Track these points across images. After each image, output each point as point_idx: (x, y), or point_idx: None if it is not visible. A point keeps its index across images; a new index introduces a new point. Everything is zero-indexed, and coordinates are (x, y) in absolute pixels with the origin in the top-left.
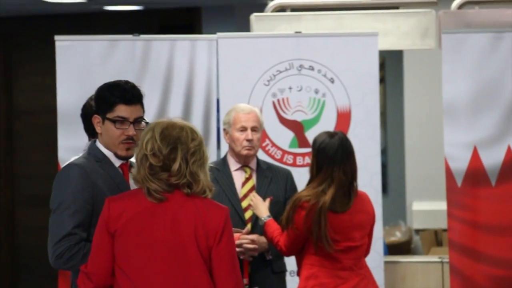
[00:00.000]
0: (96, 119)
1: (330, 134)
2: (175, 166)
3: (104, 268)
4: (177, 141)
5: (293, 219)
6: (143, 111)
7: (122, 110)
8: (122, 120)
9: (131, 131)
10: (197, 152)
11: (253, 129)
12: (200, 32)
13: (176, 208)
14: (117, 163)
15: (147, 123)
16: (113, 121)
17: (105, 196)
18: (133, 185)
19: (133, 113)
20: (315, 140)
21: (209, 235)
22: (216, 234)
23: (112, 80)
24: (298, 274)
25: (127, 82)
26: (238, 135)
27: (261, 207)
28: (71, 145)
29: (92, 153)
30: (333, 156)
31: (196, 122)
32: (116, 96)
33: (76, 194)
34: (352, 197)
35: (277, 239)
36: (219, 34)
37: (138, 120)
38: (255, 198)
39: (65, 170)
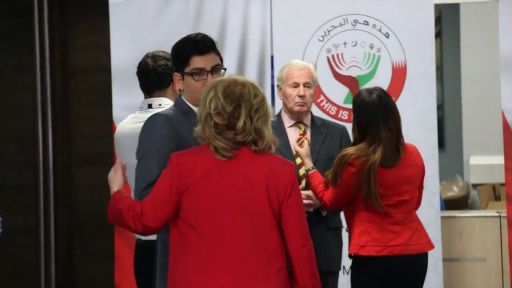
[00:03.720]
0: (177, 77)
1: (369, 92)
2: (240, 123)
3: (164, 222)
4: (240, 98)
5: (342, 176)
6: (220, 59)
7: (197, 62)
8: (199, 72)
9: (210, 80)
10: (260, 108)
11: (306, 85)
12: None
13: (247, 165)
14: None
15: (225, 69)
16: (191, 74)
17: (190, 146)
18: None
19: (209, 62)
20: (354, 100)
21: (280, 190)
22: (286, 189)
23: (165, 38)
24: (349, 231)
25: (197, 34)
26: (290, 91)
27: (307, 159)
28: (126, 103)
29: (178, 105)
30: (374, 115)
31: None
32: (189, 48)
33: (161, 142)
34: (401, 152)
35: (321, 194)
36: None
37: (216, 68)
38: (302, 147)
39: (151, 119)
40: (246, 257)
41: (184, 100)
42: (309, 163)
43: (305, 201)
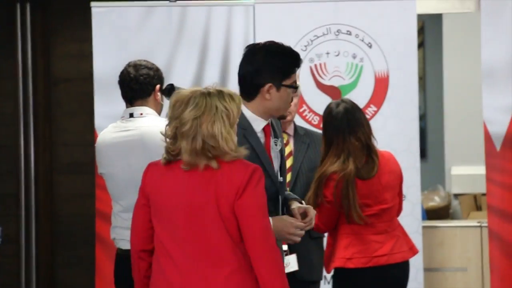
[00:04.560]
0: (270, 88)
1: (336, 104)
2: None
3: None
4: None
5: (324, 194)
6: None
7: (294, 77)
8: (296, 87)
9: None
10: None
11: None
12: None
13: (196, 173)
14: (260, 126)
15: None
16: (291, 87)
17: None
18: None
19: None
20: (323, 112)
21: (230, 193)
22: (238, 191)
23: (148, 47)
24: (332, 243)
25: (290, 47)
26: None
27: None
28: (108, 112)
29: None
30: (339, 127)
31: (233, 88)
32: (294, 63)
33: None
34: (376, 162)
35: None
36: None
37: None
38: None
39: None
40: (194, 262)
41: (244, 112)
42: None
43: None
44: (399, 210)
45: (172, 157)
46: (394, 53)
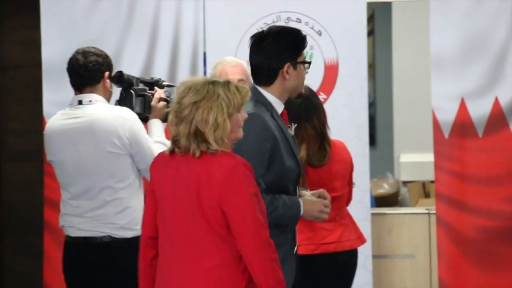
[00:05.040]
0: (288, 67)
1: None
2: None
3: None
4: None
5: None
6: None
7: (304, 52)
8: None
9: None
10: None
11: (240, 82)
12: None
13: (184, 165)
14: (281, 109)
15: None
16: (306, 62)
17: (280, 148)
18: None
19: None
20: None
21: (213, 188)
22: (222, 187)
23: (97, 34)
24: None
25: (291, 27)
26: None
27: None
28: (57, 99)
29: (260, 100)
30: (296, 113)
31: (182, 76)
32: (304, 41)
33: (259, 143)
34: (327, 150)
35: None
36: None
37: None
38: None
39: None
40: (179, 254)
41: (264, 94)
42: None
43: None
44: (348, 199)
45: (174, 144)
46: (344, 41)
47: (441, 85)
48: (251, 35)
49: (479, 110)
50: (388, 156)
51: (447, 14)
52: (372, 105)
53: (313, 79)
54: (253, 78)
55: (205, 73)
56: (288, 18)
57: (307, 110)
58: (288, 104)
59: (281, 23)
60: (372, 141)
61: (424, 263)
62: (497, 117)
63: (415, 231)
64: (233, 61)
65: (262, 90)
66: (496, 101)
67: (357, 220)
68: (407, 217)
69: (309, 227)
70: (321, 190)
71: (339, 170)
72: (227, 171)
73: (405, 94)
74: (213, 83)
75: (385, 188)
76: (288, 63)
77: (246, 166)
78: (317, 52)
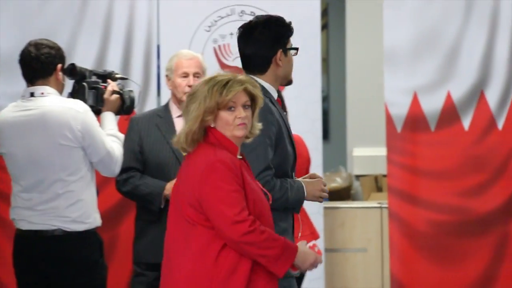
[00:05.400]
0: (281, 54)
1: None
2: None
3: None
4: None
5: None
6: None
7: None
8: None
9: None
10: None
11: (195, 75)
12: None
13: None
14: (275, 95)
15: None
16: (294, 49)
17: (283, 133)
18: None
19: None
20: None
21: (193, 185)
22: (199, 183)
23: (50, 27)
24: None
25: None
26: (180, 81)
27: None
28: (10, 91)
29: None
30: None
31: (136, 69)
32: (289, 27)
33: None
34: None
35: None
36: None
37: None
38: None
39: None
40: (170, 248)
41: (263, 83)
42: None
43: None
44: None
45: None
46: (298, 34)
47: (394, 80)
48: (239, 26)
49: (431, 105)
50: (341, 150)
51: (401, 9)
52: (325, 99)
53: None
54: (245, 68)
55: (158, 66)
56: (242, 12)
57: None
58: None
59: (235, 16)
60: (326, 135)
61: (376, 257)
62: (449, 112)
63: (368, 225)
64: (189, 54)
65: (257, 78)
66: (449, 95)
67: (310, 214)
68: (360, 211)
69: None
70: (311, 173)
71: (297, 165)
72: (203, 169)
73: (358, 88)
74: (205, 81)
75: (338, 182)
76: (281, 50)
77: (224, 164)
78: None
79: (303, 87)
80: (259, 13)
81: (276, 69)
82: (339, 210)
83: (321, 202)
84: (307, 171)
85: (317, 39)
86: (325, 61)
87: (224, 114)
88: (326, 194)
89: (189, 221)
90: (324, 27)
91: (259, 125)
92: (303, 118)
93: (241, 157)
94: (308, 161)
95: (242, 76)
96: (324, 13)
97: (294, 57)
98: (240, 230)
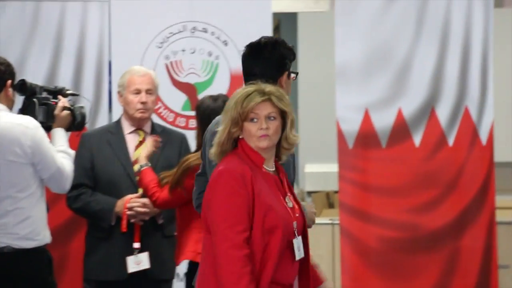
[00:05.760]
0: (286, 76)
1: (214, 98)
2: None
3: None
4: None
5: (183, 182)
6: None
7: None
8: None
9: None
10: None
11: (148, 92)
12: None
13: None
14: None
15: None
16: (294, 72)
17: None
18: None
19: None
20: (198, 106)
21: (207, 195)
22: (207, 191)
23: (0, 42)
24: (181, 237)
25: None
26: (132, 97)
27: (142, 154)
28: None
29: None
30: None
31: (87, 85)
32: (292, 52)
33: None
34: None
35: (154, 190)
36: None
37: None
38: (146, 143)
39: None
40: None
41: None
42: (144, 159)
43: (140, 209)
44: None
45: None
46: None
47: (345, 96)
48: (249, 44)
49: (382, 121)
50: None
51: (352, 25)
52: None
53: (219, 88)
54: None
55: (110, 82)
56: (194, 28)
57: None
58: (209, 111)
59: (187, 32)
60: None
61: (327, 273)
62: (400, 128)
63: (319, 241)
64: (142, 70)
65: None
66: (400, 112)
67: None
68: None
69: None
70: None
71: None
72: (212, 177)
73: (310, 104)
74: (235, 92)
75: None
76: (286, 72)
77: (229, 173)
78: (223, 62)
79: None
80: (211, 29)
81: None
82: None
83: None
84: None
85: None
86: None
87: (247, 125)
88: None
89: (207, 228)
90: None
91: (297, 135)
92: None
93: (273, 169)
94: None
95: (269, 88)
96: (276, 29)
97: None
98: (224, 244)
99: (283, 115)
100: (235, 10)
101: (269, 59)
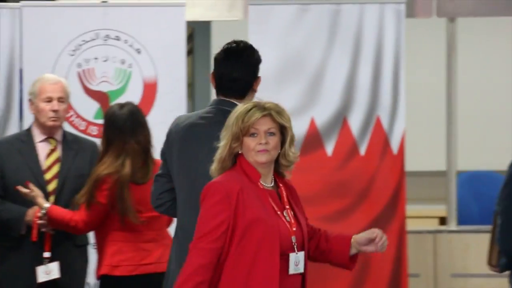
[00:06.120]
0: (258, 81)
1: (120, 106)
2: None
3: None
4: None
5: (95, 195)
6: None
7: None
8: None
9: None
10: None
11: (60, 100)
12: (3, 0)
13: None
14: None
15: None
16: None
17: None
18: None
19: None
20: (105, 114)
21: None
22: None
23: None
24: (99, 251)
25: None
26: (43, 105)
27: (40, 198)
28: None
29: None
30: (122, 128)
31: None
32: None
33: None
34: (150, 166)
35: (70, 217)
36: (22, 2)
37: None
38: (34, 189)
39: None
40: None
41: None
42: (43, 202)
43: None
44: (170, 219)
45: None
46: (163, 59)
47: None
48: (225, 47)
49: (295, 130)
50: None
51: (266, 34)
52: None
53: (132, 97)
54: (226, 91)
55: (21, 90)
56: (107, 36)
57: (133, 125)
58: (114, 118)
59: (100, 40)
60: None
61: None
62: (312, 138)
63: None
64: (53, 78)
65: (236, 102)
66: (312, 121)
67: None
68: None
69: (129, 247)
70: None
71: None
72: (202, 190)
73: None
74: (236, 108)
75: None
76: (259, 76)
77: (214, 186)
78: (136, 70)
79: (169, 112)
80: (124, 37)
81: (251, 95)
82: None
83: None
84: None
85: (182, 64)
86: (191, 86)
87: (247, 140)
88: None
89: None
90: (190, 52)
91: (296, 152)
92: None
93: (271, 184)
94: None
95: (269, 103)
96: (190, 38)
97: (160, 82)
98: (193, 250)
99: (282, 131)
100: (149, 18)
101: (248, 63)
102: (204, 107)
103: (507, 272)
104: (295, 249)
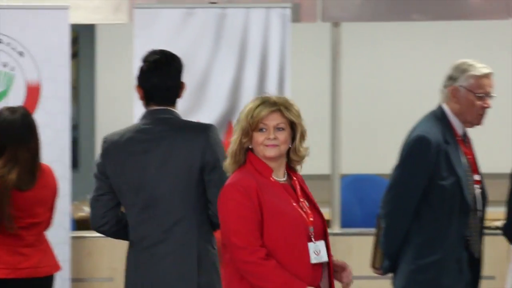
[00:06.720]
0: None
1: (11, 110)
2: None
3: None
4: None
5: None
6: None
7: None
8: None
9: None
10: None
11: None
12: None
13: None
14: None
15: None
16: None
17: None
18: None
19: None
20: None
21: None
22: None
23: None
24: None
25: None
26: None
27: None
28: None
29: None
30: (16, 134)
31: None
32: None
33: None
34: (36, 173)
35: None
36: None
37: None
38: None
39: None
40: None
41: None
42: None
43: None
44: (48, 224)
45: None
46: (47, 62)
47: (143, 109)
48: (153, 59)
49: None
50: (90, 178)
51: (151, 37)
52: (75, 127)
53: (14, 100)
54: (159, 100)
55: None
56: None
57: (27, 132)
58: (6, 124)
59: None
60: (75, 163)
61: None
62: None
63: (114, 254)
64: None
65: (170, 108)
66: None
67: (56, 244)
68: (107, 240)
69: (7, 251)
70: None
71: (44, 196)
72: (219, 194)
73: (108, 116)
74: (248, 104)
75: (85, 211)
76: (184, 82)
77: (234, 187)
78: (18, 73)
79: (52, 115)
80: (6, 40)
81: (177, 101)
82: (87, 240)
83: None
84: (53, 202)
85: (66, 67)
86: (75, 89)
87: (256, 135)
88: None
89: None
90: (75, 55)
91: (307, 147)
92: (52, 147)
93: (284, 178)
94: (55, 192)
95: (278, 99)
96: (75, 41)
97: (44, 85)
98: (239, 256)
99: (292, 126)
100: (32, 20)
101: (177, 71)
102: (89, 111)
103: (389, 274)
104: (312, 238)
